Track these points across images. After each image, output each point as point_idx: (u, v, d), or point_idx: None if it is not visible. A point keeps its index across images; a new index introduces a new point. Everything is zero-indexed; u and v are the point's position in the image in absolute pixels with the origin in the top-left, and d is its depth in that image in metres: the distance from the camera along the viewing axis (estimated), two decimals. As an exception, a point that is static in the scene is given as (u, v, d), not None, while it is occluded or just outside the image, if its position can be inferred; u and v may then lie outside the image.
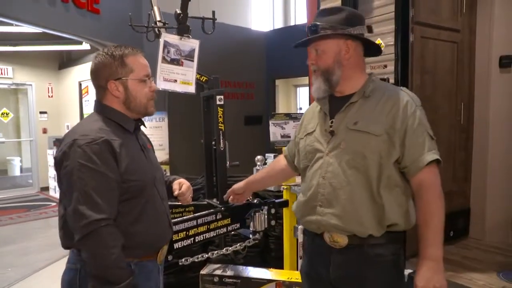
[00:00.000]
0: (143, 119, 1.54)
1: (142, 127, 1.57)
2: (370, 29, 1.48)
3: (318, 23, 1.44)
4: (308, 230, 1.54)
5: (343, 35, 1.42)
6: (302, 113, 2.92)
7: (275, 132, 2.61)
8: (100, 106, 1.44)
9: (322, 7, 2.91)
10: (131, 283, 1.28)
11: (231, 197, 1.98)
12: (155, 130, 5.68)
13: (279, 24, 8.19)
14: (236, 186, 1.95)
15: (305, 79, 7.14)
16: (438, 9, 2.81)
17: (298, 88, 9.31)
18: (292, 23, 8.11)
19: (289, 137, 2.65)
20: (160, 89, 2.29)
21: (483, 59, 3.09)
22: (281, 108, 8.54)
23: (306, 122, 1.63)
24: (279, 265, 2.84)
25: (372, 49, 1.54)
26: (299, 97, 9.41)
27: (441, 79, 2.87)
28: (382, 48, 1.72)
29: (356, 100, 1.44)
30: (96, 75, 1.42)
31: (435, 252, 1.32)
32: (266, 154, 2.62)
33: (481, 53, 3.09)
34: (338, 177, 1.40)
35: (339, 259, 1.43)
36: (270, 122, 2.59)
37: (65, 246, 1.40)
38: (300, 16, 8.00)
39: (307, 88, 7.39)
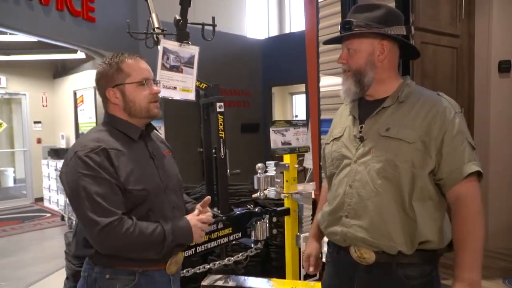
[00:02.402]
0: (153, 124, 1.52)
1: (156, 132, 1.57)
2: (409, 30, 1.36)
3: (353, 20, 1.33)
4: (332, 242, 1.44)
5: (379, 34, 1.32)
6: (302, 120, 2.91)
7: (275, 139, 2.55)
8: (105, 117, 1.46)
9: (321, 13, 2.90)
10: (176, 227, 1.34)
11: (313, 267, 1.59)
12: (152, 138, 5.62)
13: (274, 32, 8.21)
14: (315, 252, 1.59)
15: (301, 87, 7.14)
16: (438, 15, 2.83)
17: (294, 96, 9.31)
18: (287, 31, 8.13)
19: (290, 144, 2.61)
20: (160, 96, 2.25)
21: (482, 64, 3.10)
22: (277, 115, 8.52)
23: (333, 126, 1.52)
24: (280, 274, 2.80)
25: (410, 52, 1.44)
26: (295, 105, 9.41)
27: (441, 84, 2.87)
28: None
29: (389, 104, 1.34)
30: (98, 86, 1.44)
31: (472, 276, 1.18)
32: (267, 162, 2.58)
33: (480, 58, 3.11)
34: (366, 186, 1.30)
35: (365, 277, 1.32)
36: (271, 129, 2.54)
37: (75, 255, 1.41)
38: (295, 24, 8.02)
39: (303, 95, 7.40)
